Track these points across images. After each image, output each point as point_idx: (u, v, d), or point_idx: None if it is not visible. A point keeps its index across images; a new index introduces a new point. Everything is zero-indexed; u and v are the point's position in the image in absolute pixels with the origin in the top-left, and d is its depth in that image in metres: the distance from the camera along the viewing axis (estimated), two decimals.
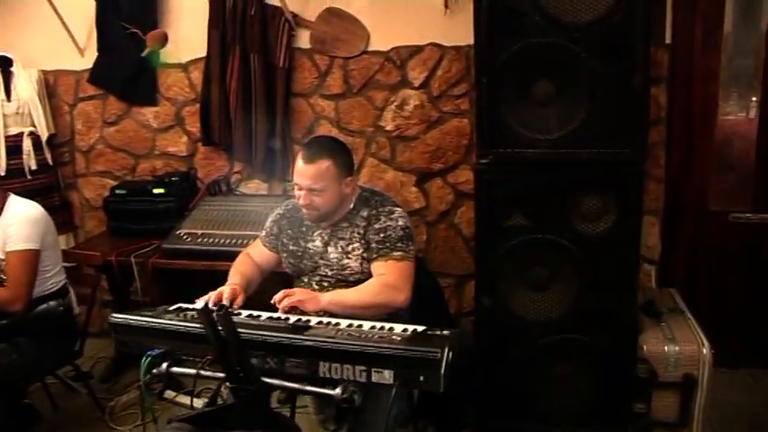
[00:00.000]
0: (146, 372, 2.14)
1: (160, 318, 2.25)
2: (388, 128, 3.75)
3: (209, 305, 2.42)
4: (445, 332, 2.11)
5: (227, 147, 3.95)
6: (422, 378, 1.86)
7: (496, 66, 2.62)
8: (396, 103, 3.71)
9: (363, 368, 1.90)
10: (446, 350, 1.86)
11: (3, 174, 4.00)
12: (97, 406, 3.53)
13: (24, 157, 4.05)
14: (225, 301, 2.45)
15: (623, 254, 2.72)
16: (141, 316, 2.27)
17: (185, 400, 2.26)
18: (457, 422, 3.28)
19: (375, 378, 1.89)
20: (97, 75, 4.09)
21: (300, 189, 2.57)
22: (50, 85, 4.21)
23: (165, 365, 2.14)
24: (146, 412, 2.35)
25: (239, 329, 2.02)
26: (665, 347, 2.84)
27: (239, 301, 2.51)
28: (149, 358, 2.15)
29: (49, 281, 3.09)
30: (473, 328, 3.05)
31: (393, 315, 2.58)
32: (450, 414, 3.26)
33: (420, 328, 2.17)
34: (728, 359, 3.24)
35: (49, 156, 4.16)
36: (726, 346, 2.96)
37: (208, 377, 2.10)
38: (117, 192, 3.89)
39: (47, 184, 4.20)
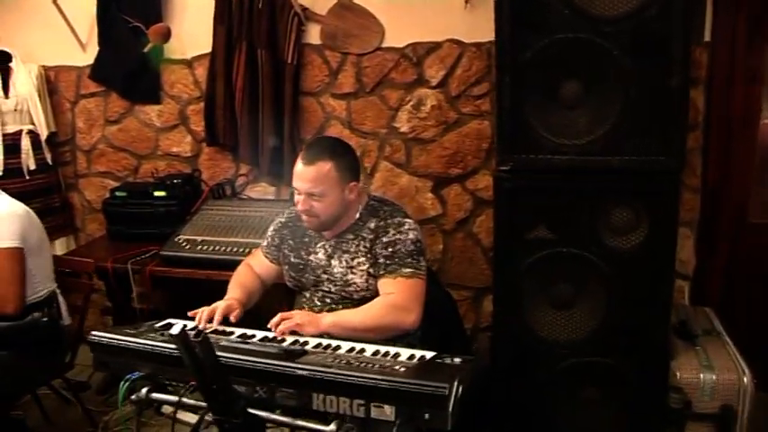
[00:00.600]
0: (123, 398, 1.97)
1: (143, 337, 2.06)
2: (403, 129, 3.57)
3: (201, 322, 2.27)
4: (457, 360, 1.92)
5: (232, 148, 3.79)
6: (427, 416, 1.66)
7: (519, 64, 2.46)
8: (411, 104, 3.53)
9: (362, 402, 1.71)
10: (456, 384, 1.66)
11: (0, 173, 3.86)
12: (90, 421, 3.35)
13: (23, 156, 3.92)
14: (218, 317, 2.28)
15: (656, 271, 2.55)
16: (122, 335, 2.09)
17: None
18: None
19: (374, 414, 1.70)
20: (98, 71, 3.95)
21: (299, 193, 2.39)
22: (51, 82, 4.08)
23: (144, 391, 1.97)
24: None
25: (225, 354, 1.87)
26: (701, 375, 2.62)
27: (235, 316, 2.34)
28: (128, 383, 1.97)
29: (33, 288, 2.90)
30: (490, 346, 2.87)
31: (402, 334, 2.41)
32: None
33: (429, 355, 1.98)
34: None
35: (48, 155, 4.03)
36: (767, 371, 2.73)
37: (191, 406, 1.91)
38: (117, 194, 3.74)
39: (46, 184, 4.05)
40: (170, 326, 2.31)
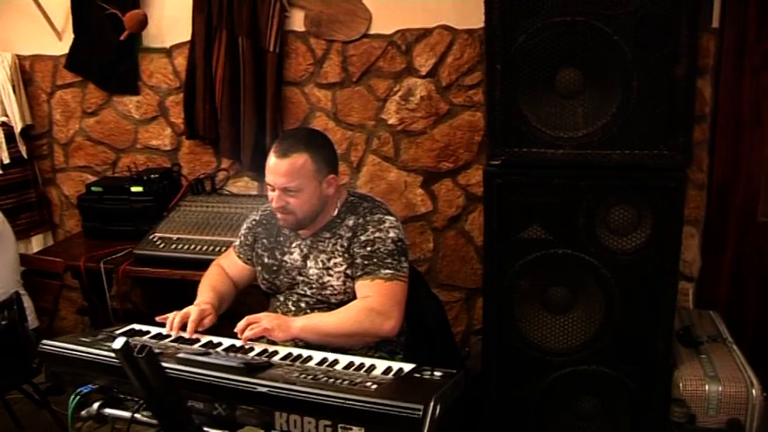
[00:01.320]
0: (73, 413, 1.80)
1: (97, 347, 1.88)
2: (392, 121, 3.41)
3: (173, 329, 2.12)
4: (437, 375, 1.75)
5: (213, 141, 3.62)
6: None
7: (512, 50, 2.34)
8: (400, 94, 3.37)
9: (328, 423, 1.54)
10: (432, 405, 1.49)
11: None
12: (60, 428, 3.20)
13: None
14: (191, 326, 2.11)
15: (659, 273, 2.43)
16: (75, 344, 1.91)
17: None
18: None
19: None
20: (74, 60, 3.77)
21: (273, 189, 2.22)
22: (27, 72, 3.90)
23: (95, 406, 1.81)
24: None
25: (180, 367, 1.70)
26: (706, 387, 2.45)
27: (210, 320, 2.19)
28: (78, 396, 1.80)
29: None
30: (481, 353, 2.71)
31: (380, 341, 2.26)
32: None
33: (407, 368, 1.81)
34: None
35: (23, 148, 3.86)
36: None
37: (144, 423, 1.74)
38: (92, 189, 3.57)
39: (22, 179, 3.89)
40: (133, 332, 2.18)
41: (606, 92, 2.31)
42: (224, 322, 2.26)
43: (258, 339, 2.08)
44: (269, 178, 2.21)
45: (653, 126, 2.30)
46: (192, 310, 2.16)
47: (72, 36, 3.74)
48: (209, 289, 2.38)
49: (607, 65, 2.28)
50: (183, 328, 2.12)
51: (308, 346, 2.10)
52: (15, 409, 3.34)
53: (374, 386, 1.62)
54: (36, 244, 3.95)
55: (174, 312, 2.16)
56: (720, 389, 2.43)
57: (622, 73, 2.28)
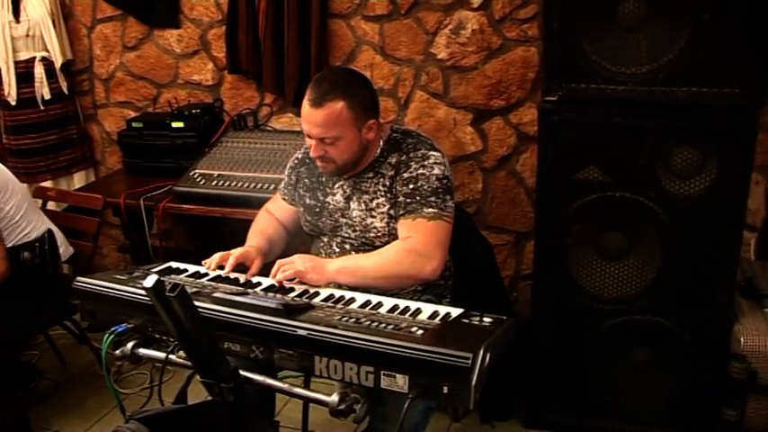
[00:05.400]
0: (107, 352, 1.74)
1: (132, 284, 1.82)
2: (441, 56, 3.26)
3: (210, 268, 2.05)
4: (486, 321, 1.66)
5: (255, 75, 3.50)
6: (446, 389, 1.41)
7: None
8: (450, 27, 3.21)
9: (370, 369, 1.46)
10: (481, 353, 1.40)
11: (14, 104, 3.69)
12: (101, 365, 3.20)
13: (36, 85, 3.69)
14: (230, 264, 2.04)
15: (722, 221, 2.32)
16: (110, 281, 1.86)
17: None
18: (505, 409, 2.83)
19: (385, 384, 1.46)
20: None
21: (310, 138, 2.09)
22: (66, 5, 3.81)
23: (129, 346, 1.75)
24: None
25: (216, 307, 1.65)
26: None
27: (256, 265, 2.09)
28: (112, 335, 1.75)
29: (19, 228, 2.73)
30: (531, 299, 2.63)
31: (429, 282, 2.15)
32: (497, 399, 2.81)
33: (455, 313, 1.72)
34: None
35: (64, 84, 3.78)
36: None
37: (179, 365, 1.69)
38: (133, 125, 3.50)
39: (62, 115, 3.82)
40: (170, 270, 2.12)
41: (673, 24, 2.17)
42: None
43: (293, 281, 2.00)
44: (304, 127, 2.08)
45: (724, 62, 2.15)
46: (234, 252, 2.09)
47: None
48: (256, 234, 2.30)
49: None
50: (222, 268, 2.06)
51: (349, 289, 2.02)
52: (58, 345, 3.37)
53: (420, 331, 1.53)
54: (78, 180, 3.92)
55: (217, 253, 2.09)
56: None
57: (692, 3, 2.12)
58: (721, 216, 2.28)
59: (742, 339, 2.35)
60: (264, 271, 2.10)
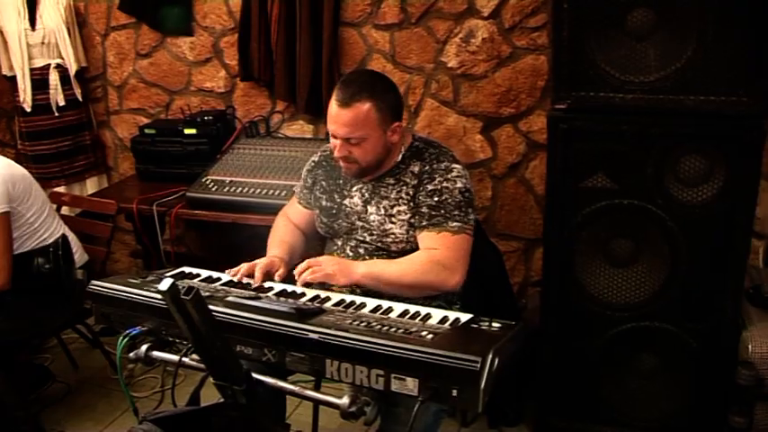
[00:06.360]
0: (121, 355, 1.77)
1: (146, 288, 1.85)
2: (452, 64, 3.29)
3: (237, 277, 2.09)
4: (495, 326, 1.69)
5: (267, 83, 3.54)
6: (455, 392, 1.43)
7: None
8: (460, 36, 3.24)
9: (381, 372, 1.49)
10: (490, 358, 1.42)
11: (29, 110, 3.75)
12: (113, 368, 3.27)
13: (51, 91, 3.76)
14: (258, 276, 2.07)
15: (730, 228, 2.31)
16: (124, 285, 1.89)
17: None
18: (513, 415, 2.84)
19: (395, 386, 1.48)
20: (128, 1, 3.72)
21: (335, 138, 2.12)
22: (81, 13, 3.87)
23: (144, 349, 1.79)
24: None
25: (229, 311, 1.68)
26: None
27: (280, 275, 2.13)
28: (126, 338, 1.78)
29: (37, 234, 2.77)
30: (539, 305, 2.64)
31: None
32: (506, 405, 2.83)
33: (464, 318, 1.74)
34: None
35: (78, 91, 3.84)
36: None
37: (192, 368, 1.71)
38: (146, 131, 3.55)
39: (77, 121, 3.89)
40: (183, 275, 2.15)
41: (681, 33, 2.17)
42: None
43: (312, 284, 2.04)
44: (331, 127, 2.11)
45: (732, 70, 2.15)
46: (260, 262, 2.12)
47: None
48: (277, 244, 2.33)
49: (683, 4, 2.14)
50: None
51: (365, 293, 2.05)
52: (71, 349, 3.41)
53: (430, 336, 1.56)
54: (90, 186, 3.97)
55: (244, 264, 2.12)
56: None
57: (699, 12, 2.13)
58: (729, 223, 2.27)
59: (750, 346, 2.35)
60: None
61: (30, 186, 2.77)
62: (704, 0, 2.11)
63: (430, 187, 2.14)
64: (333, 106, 2.09)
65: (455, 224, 2.11)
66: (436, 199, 2.13)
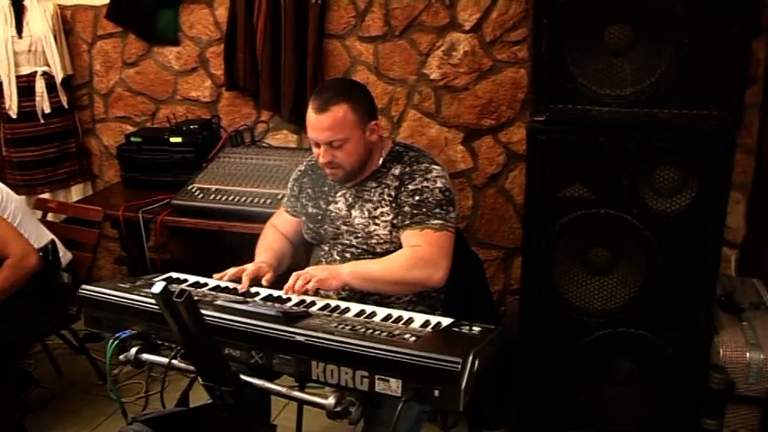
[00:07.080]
0: (111, 357, 1.82)
1: (136, 293, 1.89)
2: (434, 76, 3.34)
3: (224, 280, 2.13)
4: (475, 330, 1.73)
5: (252, 93, 3.58)
6: (437, 393, 1.48)
7: (560, 3, 2.28)
8: (443, 49, 3.29)
9: (365, 374, 1.53)
10: (470, 359, 1.47)
11: (15, 117, 3.75)
12: (98, 374, 3.26)
13: (37, 99, 3.76)
14: (245, 281, 2.10)
15: (702, 238, 2.36)
16: (114, 290, 1.92)
17: None
18: (493, 420, 2.90)
19: (379, 387, 1.53)
20: (115, 10, 3.74)
21: (317, 145, 2.18)
22: (68, 22, 3.89)
23: (133, 351, 1.81)
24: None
25: (217, 314, 1.72)
26: (747, 354, 2.40)
27: (267, 280, 2.17)
28: (116, 341, 1.81)
29: None
30: (518, 312, 2.69)
31: (423, 294, 2.26)
32: (486, 410, 2.88)
33: (445, 322, 1.79)
34: None
35: (64, 98, 3.85)
36: None
37: (180, 370, 1.75)
38: (132, 139, 3.57)
39: (62, 128, 3.90)
40: (171, 280, 2.19)
41: (656, 49, 2.23)
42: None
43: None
44: (312, 135, 2.17)
45: (703, 86, 2.21)
46: (248, 267, 2.16)
47: None
48: (264, 250, 2.37)
49: (658, 21, 2.20)
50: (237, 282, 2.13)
51: (352, 296, 2.13)
52: (55, 355, 3.42)
53: (413, 338, 1.61)
54: (75, 193, 3.97)
55: (231, 268, 2.16)
56: (762, 357, 2.38)
57: (673, 30, 2.19)
58: (702, 233, 2.33)
59: (721, 351, 2.41)
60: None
61: (8, 200, 2.79)
62: (679, 17, 2.17)
63: (411, 187, 2.20)
64: (311, 115, 2.15)
65: (437, 222, 2.17)
66: (417, 198, 2.18)
